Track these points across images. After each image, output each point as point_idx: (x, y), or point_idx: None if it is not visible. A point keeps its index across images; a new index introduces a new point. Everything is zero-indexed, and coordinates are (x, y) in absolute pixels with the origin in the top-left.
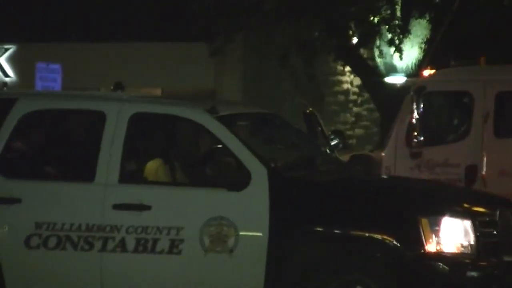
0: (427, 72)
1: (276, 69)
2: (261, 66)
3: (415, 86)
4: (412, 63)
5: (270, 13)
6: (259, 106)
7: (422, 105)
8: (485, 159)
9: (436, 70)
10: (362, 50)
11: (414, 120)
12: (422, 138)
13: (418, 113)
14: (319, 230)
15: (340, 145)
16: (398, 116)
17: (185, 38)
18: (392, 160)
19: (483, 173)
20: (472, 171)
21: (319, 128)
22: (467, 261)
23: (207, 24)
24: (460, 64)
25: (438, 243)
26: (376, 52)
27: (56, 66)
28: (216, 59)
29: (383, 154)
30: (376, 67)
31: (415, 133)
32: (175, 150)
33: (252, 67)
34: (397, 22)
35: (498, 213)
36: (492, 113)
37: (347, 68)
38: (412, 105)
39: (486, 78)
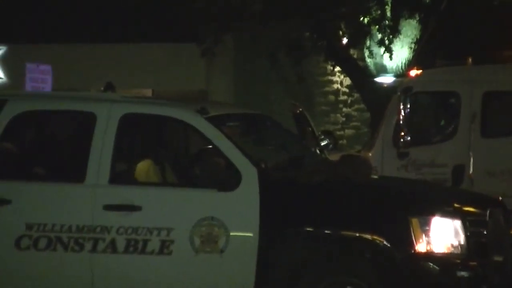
0: (413, 73)
1: (267, 70)
2: (252, 67)
3: (402, 86)
4: (402, 63)
5: (260, 14)
6: (250, 107)
7: (409, 106)
8: (472, 159)
9: (423, 70)
10: (352, 51)
11: (401, 121)
12: (409, 138)
13: (405, 114)
14: (309, 231)
15: (330, 146)
16: (385, 116)
17: (175, 39)
18: (379, 160)
19: (470, 173)
20: (459, 171)
21: (309, 129)
22: (457, 261)
23: (197, 25)
24: (447, 64)
25: (428, 243)
26: (366, 53)
27: (47, 67)
28: (207, 60)
29: (370, 154)
30: (366, 67)
31: (402, 134)
32: (165, 151)
33: (243, 68)
34: (387, 22)
35: (488, 212)
36: (479, 113)
37: (337, 69)
38: (399, 105)
39: (473, 78)
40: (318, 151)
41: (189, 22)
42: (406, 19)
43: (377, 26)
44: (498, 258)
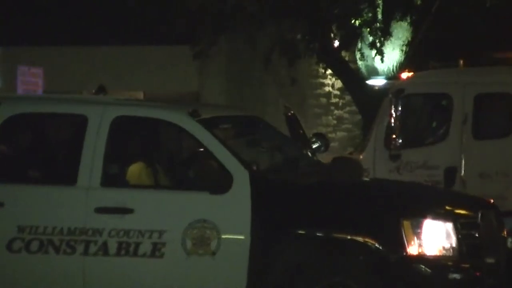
0: (405, 75)
1: (260, 72)
2: (245, 69)
3: (393, 88)
4: (393, 65)
5: (253, 16)
6: (242, 109)
7: (400, 108)
8: (464, 161)
9: (415, 72)
10: (343, 53)
11: (393, 123)
12: (401, 141)
13: (396, 116)
14: (301, 233)
15: (322, 148)
16: (376, 118)
17: (168, 41)
18: (371, 163)
19: (462, 175)
20: (451, 173)
21: (301, 131)
22: (449, 263)
23: (190, 26)
24: (439, 66)
25: (420, 245)
26: (358, 55)
27: (38, 70)
28: (199, 62)
29: (361, 156)
30: (357, 69)
31: (394, 136)
32: (157, 153)
33: (235, 70)
34: (378, 25)
35: (480, 215)
36: (471, 115)
37: (329, 71)
38: (390, 107)
39: (465, 80)
40: (309, 154)
41: (184, 24)
42: (397, 21)
43: (368, 29)
44: (491, 260)
